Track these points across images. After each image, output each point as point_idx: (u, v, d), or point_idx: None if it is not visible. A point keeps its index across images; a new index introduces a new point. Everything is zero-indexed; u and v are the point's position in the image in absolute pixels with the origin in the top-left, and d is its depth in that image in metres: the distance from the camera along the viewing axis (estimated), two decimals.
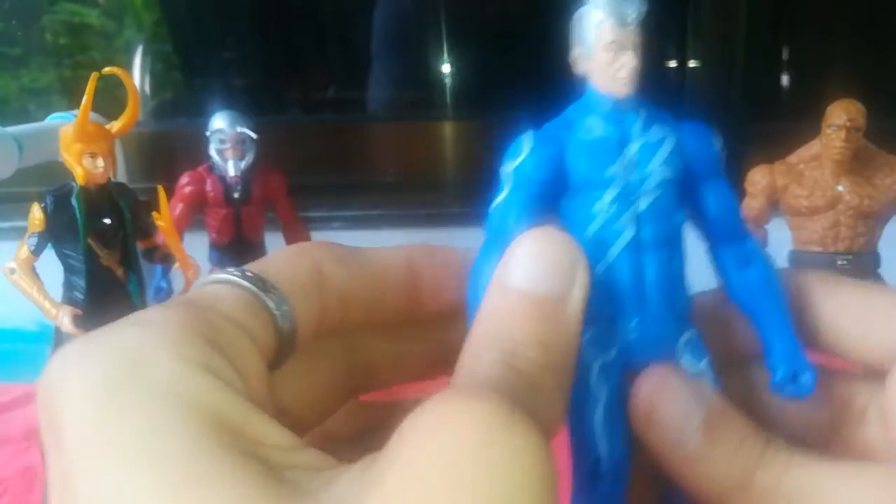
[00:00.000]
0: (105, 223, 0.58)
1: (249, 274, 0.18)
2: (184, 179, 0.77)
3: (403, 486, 0.13)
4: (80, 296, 0.58)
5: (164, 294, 0.71)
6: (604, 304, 0.20)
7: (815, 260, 0.68)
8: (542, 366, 0.16)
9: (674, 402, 0.19)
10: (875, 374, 0.21)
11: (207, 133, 0.76)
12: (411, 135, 1.24)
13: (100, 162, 0.57)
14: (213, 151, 0.76)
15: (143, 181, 0.96)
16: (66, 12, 1.22)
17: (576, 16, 0.21)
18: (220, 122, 0.76)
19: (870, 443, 0.21)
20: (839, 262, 0.69)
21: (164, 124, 1.23)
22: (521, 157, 0.20)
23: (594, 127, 0.20)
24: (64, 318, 0.57)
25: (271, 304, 0.18)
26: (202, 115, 0.80)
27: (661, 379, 0.19)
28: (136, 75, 1.20)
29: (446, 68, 1.23)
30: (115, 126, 0.60)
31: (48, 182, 0.59)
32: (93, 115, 0.57)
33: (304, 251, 0.20)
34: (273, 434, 0.15)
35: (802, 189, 0.70)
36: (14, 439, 0.73)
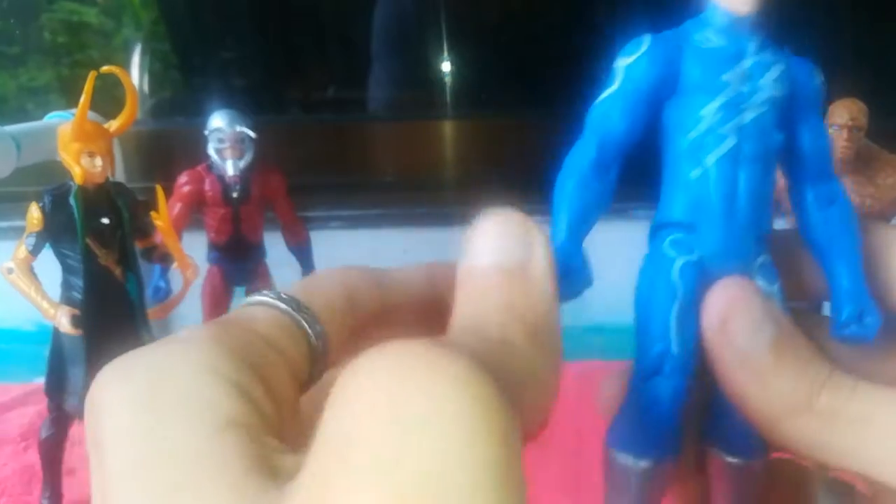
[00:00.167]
0: (103, 223, 0.58)
1: (284, 296, 0.18)
2: (182, 179, 0.77)
3: (317, 461, 0.12)
4: (78, 295, 0.57)
5: (163, 293, 0.70)
6: (691, 211, 0.20)
7: None
8: (510, 322, 0.16)
9: (748, 314, 0.19)
10: None
11: (206, 132, 0.76)
12: (411, 134, 1.24)
13: (98, 161, 0.56)
14: (211, 151, 0.76)
15: (141, 180, 0.95)
16: (65, 11, 1.22)
17: None
18: (218, 122, 0.76)
19: None
20: None
21: (162, 123, 1.23)
22: (635, 55, 0.20)
23: (712, 38, 0.20)
24: (62, 318, 0.57)
25: (306, 325, 0.18)
26: (201, 115, 0.79)
27: (739, 289, 0.19)
28: (135, 74, 1.20)
29: (446, 68, 1.22)
30: (113, 125, 0.59)
31: (46, 181, 0.58)
32: (91, 115, 0.57)
33: (336, 275, 0.20)
34: (288, 454, 0.14)
35: None
36: (12, 440, 0.73)
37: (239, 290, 0.81)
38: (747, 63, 0.20)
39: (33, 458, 0.65)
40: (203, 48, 1.29)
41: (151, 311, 0.63)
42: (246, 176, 0.77)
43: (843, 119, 0.67)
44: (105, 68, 0.58)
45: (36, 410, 0.76)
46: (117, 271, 0.59)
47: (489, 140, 1.20)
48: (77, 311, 0.57)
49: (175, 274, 0.68)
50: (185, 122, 1.14)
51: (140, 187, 0.68)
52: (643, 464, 0.21)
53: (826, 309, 0.23)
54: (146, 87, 1.23)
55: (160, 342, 0.16)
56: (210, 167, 0.77)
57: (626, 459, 0.21)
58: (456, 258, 0.22)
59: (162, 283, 0.71)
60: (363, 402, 0.12)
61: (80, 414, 0.58)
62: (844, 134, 0.67)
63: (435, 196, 1.12)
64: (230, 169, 0.76)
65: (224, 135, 0.75)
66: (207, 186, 0.77)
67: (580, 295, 0.21)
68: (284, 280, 0.81)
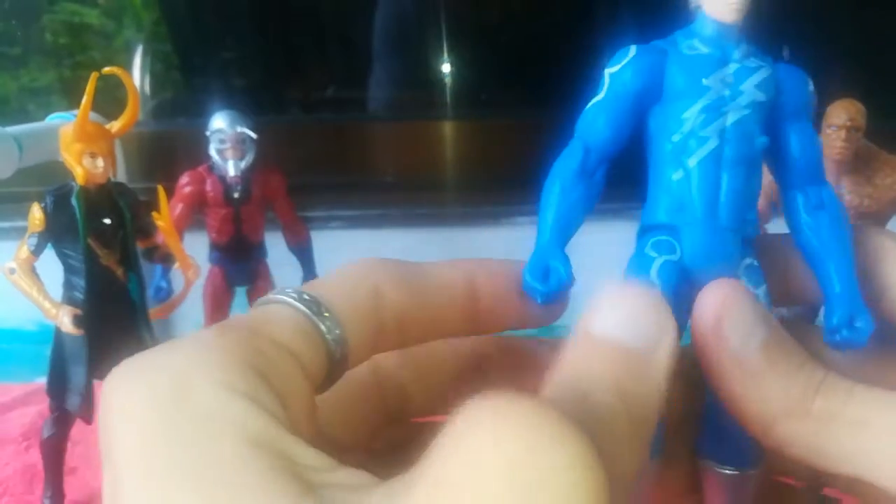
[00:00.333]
0: (105, 223, 0.58)
1: (306, 297, 0.18)
2: (184, 179, 0.77)
3: (429, 500, 0.12)
4: (79, 295, 0.57)
5: (164, 294, 0.71)
6: (674, 213, 0.21)
7: None
8: (618, 412, 0.15)
9: (741, 315, 0.19)
10: None
11: (207, 133, 0.76)
12: (411, 135, 1.24)
13: (100, 162, 0.57)
14: (212, 151, 0.76)
15: (142, 181, 0.96)
16: (66, 12, 1.22)
17: None
18: (219, 122, 0.76)
19: None
20: None
21: (163, 124, 1.23)
22: (621, 64, 0.21)
23: (698, 46, 0.21)
24: (64, 318, 0.57)
25: (324, 329, 0.18)
26: (202, 115, 0.80)
27: (731, 290, 0.19)
28: (136, 75, 1.20)
29: (446, 68, 1.23)
30: (114, 126, 0.60)
31: (48, 182, 0.59)
32: (93, 115, 0.57)
33: (364, 271, 0.20)
34: (309, 456, 0.15)
35: None
36: (13, 439, 0.73)
37: (240, 290, 0.82)
38: (731, 68, 0.21)
39: (35, 457, 0.65)
40: (204, 49, 1.29)
41: (153, 311, 0.63)
42: (247, 176, 0.77)
43: (841, 119, 0.67)
44: (107, 69, 0.58)
45: (37, 410, 0.77)
46: (119, 271, 0.59)
47: (489, 140, 1.20)
48: (79, 311, 0.57)
49: (176, 274, 0.68)
50: (187, 123, 1.14)
51: (142, 188, 0.68)
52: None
53: (822, 316, 0.23)
54: (147, 88, 1.24)
55: (174, 344, 0.16)
56: (211, 168, 0.77)
57: None
58: (478, 256, 0.22)
59: (163, 283, 0.71)
60: (481, 456, 0.12)
61: (81, 413, 0.59)
62: (842, 134, 0.67)
63: (435, 196, 1.13)
64: (231, 169, 0.76)
65: (225, 136, 0.75)
66: (209, 187, 0.77)
67: (561, 297, 0.21)
68: (285, 280, 0.81)
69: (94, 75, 0.56)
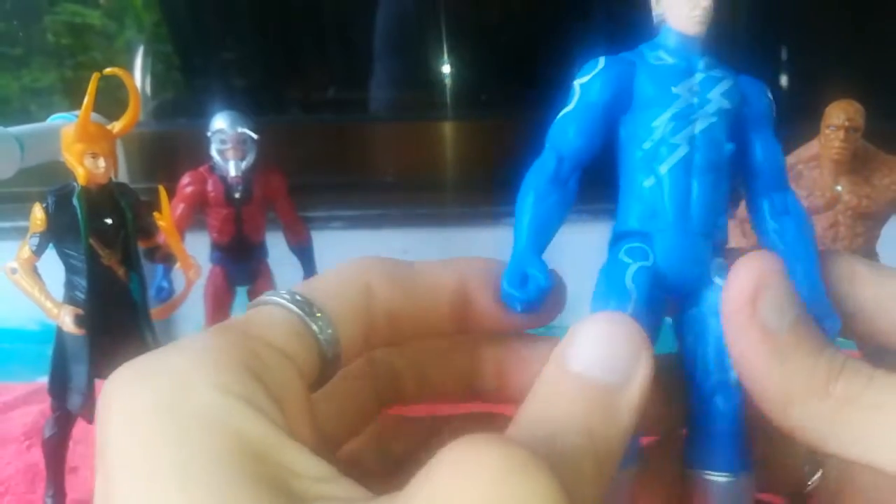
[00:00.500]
0: (106, 223, 0.59)
1: (298, 298, 0.18)
2: (185, 180, 0.78)
3: None
4: (81, 295, 0.58)
5: (166, 294, 0.71)
6: (646, 219, 0.21)
7: None
8: (585, 452, 0.16)
9: (777, 291, 0.19)
10: None
11: (208, 133, 0.77)
12: (411, 135, 1.24)
13: (101, 162, 0.57)
14: (214, 152, 0.77)
15: (144, 181, 0.96)
16: (68, 13, 1.22)
17: None
18: (221, 123, 0.76)
19: None
20: None
21: (164, 124, 1.23)
22: (591, 75, 0.22)
23: (664, 57, 0.22)
24: (65, 318, 0.57)
25: (316, 329, 0.18)
26: (203, 116, 0.80)
27: (769, 264, 0.19)
28: (137, 76, 1.21)
29: (446, 69, 1.23)
30: (116, 126, 0.60)
31: (50, 182, 0.59)
32: (94, 116, 0.57)
33: (355, 270, 0.20)
34: (307, 464, 0.15)
35: (801, 189, 0.70)
36: (15, 438, 0.73)
37: (241, 290, 0.82)
38: (697, 78, 0.21)
39: (37, 456, 0.65)
40: (205, 49, 1.29)
41: (154, 310, 0.64)
42: (248, 177, 0.77)
43: (839, 120, 0.67)
44: (108, 70, 0.58)
45: (39, 409, 0.77)
46: (120, 271, 0.59)
47: (489, 141, 1.21)
48: (80, 311, 0.57)
49: (178, 274, 0.68)
50: (188, 124, 1.14)
51: (143, 188, 0.68)
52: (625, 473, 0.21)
53: None
54: (149, 89, 1.24)
55: (171, 348, 0.16)
56: (212, 168, 0.78)
57: None
58: (480, 255, 0.22)
59: (165, 283, 0.71)
60: (458, 492, 0.13)
61: (83, 413, 0.59)
62: (841, 135, 0.67)
63: (435, 196, 1.13)
64: (232, 170, 0.76)
65: (226, 136, 0.76)
66: (210, 187, 0.77)
67: (540, 302, 0.21)
68: (286, 280, 0.82)
69: (95, 76, 0.56)
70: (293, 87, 1.30)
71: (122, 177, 0.83)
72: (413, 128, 1.24)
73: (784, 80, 1.20)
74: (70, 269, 0.58)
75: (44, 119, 0.78)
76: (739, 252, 0.23)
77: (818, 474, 0.24)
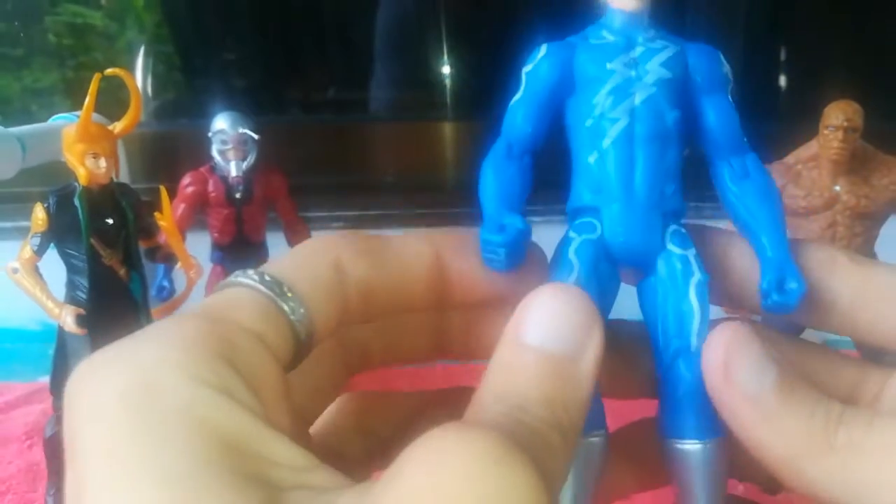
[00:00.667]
0: (107, 223, 0.59)
1: (267, 278, 0.18)
2: (186, 180, 0.78)
3: None
4: (82, 295, 0.58)
5: (167, 293, 0.71)
6: (594, 194, 0.21)
7: None
8: (549, 423, 0.16)
9: (749, 355, 0.19)
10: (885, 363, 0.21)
11: (209, 134, 0.77)
12: (411, 135, 1.24)
13: (102, 162, 0.57)
14: (215, 152, 0.77)
15: (145, 181, 0.96)
16: (69, 13, 1.22)
17: None
18: (221, 123, 0.76)
19: None
20: None
21: (165, 125, 1.23)
22: (535, 62, 0.22)
23: (605, 36, 0.22)
24: (67, 318, 0.57)
25: (287, 310, 0.18)
26: (204, 116, 0.80)
27: (735, 332, 0.19)
28: (138, 76, 1.21)
29: (446, 69, 1.23)
30: (117, 127, 0.60)
31: (51, 182, 0.59)
32: (95, 116, 0.58)
33: (324, 247, 0.20)
34: (285, 453, 0.15)
35: (800, 189, 0.70)
36: (17, 438, 0.73)
37: None
38: (636, 52, 0.22)
39: (38, 455, 0.65)
40: (205, 50, 1.29)
41: (155, 310, 0.64)
42: (249, 177, 0.77)
43: (838, 120, 0.67)
44: (109, 70, 0.58)
45: (41, 409, 0.77)
46: (121, 271, 0.60)
47: (489, 141, 1.21)
48: (82, 311, 0.57)
49: (179, 274, 0.68)
50: (188, 124, 1.14)
51: (144, 188, 0.68)
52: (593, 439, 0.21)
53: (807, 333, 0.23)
54: (150, 90, 1.24)
55: (141, 336, 0.16)
56: (213, 168, 0.78)
57: None
58: (458, 228, 0.22)
59: (166, 283, 0.72)
60: (436, 479, 0.13)
61: None
62: (839, 135, 0.67)
63: (435, 197, 1.13)
64: (233, 170, 0.76)
65: (227, 136, 0.76)
66: (211, 187, 0.78)
67: (521, 244, 0.21)
68: None
69: (96, 76, 0.56)
70: (293, 88, 1.30)
71: (124, 177, 0.83)
72: (413, 128, 1.24)
73: (783, 80, 1.20)
74: (71, 269, 0.59)
75: (45, 119, 0.78)
76: (702, 227, 0.23)
77: None
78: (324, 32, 1.27)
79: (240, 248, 0.80)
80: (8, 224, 0.95)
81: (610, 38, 0.22)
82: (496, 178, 0.22)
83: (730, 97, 0.23)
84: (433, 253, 0.21)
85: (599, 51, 0.22)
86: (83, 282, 0.58)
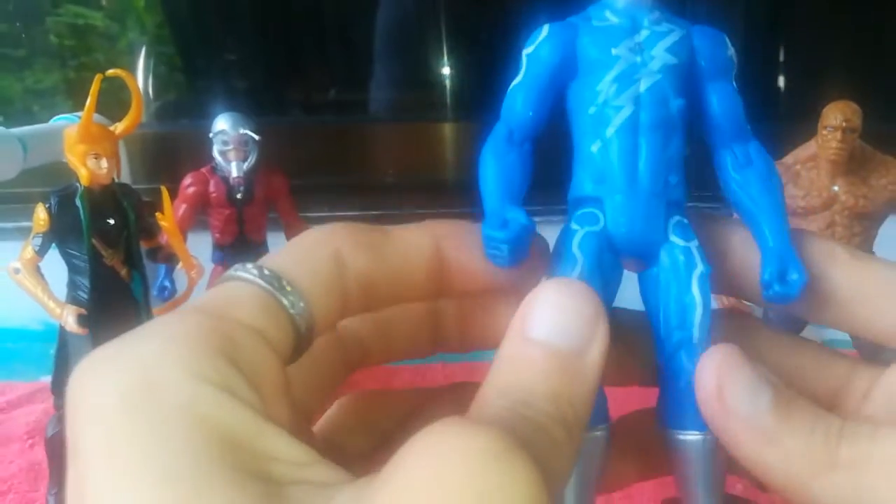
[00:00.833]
0: (109, 223, 0.59)
1: (266, 272, 0.18)
2: (187, 180, 0.78)
3: None
4: (84, 295, 0.58)
5: (168, 293, 0.71)
6: (596, 184, 0.21)
7: None
8: (554, 418, 0.16)
9: (742, 378, 0.18)
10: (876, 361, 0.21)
11: (211, 135, 0.77)
12: (412, 136, 1.24)
13: (104, 163, 0.57)
14: (216, 153, 0.77)
15: (146, 182, 0.96)
16: (70, 14, 1.22)
17: None
18: (223, 124, 0.76)
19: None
20: None
21: (167, 125, 1.24)
22: (536, 43, 0.21)
23: (609, 17, 0.21)
24: (68, 318, 0.57)
25: (287, 304, 0.17)
26: (205, 117, 0.80)
27: (725, 356, 0.19)
28: (140, 77, 1.21)
29: (446, 70, 1.23)
30: (118, 127, 0.60)
31: (52, 183, 0.59)
32: (97, 117, 0.58)
33: (323, 238, 0.19)
34: (285, 449, 0.15)
35: (798, 189, 0.70)
36: (18, 437, 0.74)
37: None
38: (642, 35, 0.21)
39: (40, 455, 0.65)
40: (206, 51, 1.29)
41: (157, 310, 0.64)
42: (250, 177, 0.78)
43: (836, 120, 0.67)
44: (111, 71, 0.59)
45: (42, 408, 0.77)
46: (123, 271, 0.60)
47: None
48: (83, 311, 0.58)
49: (180, 274, 0.68)
50: (190, 125, 1.15)
51: (145, 189, 0.68)
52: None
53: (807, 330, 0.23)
54: (151, 90, 1.24)
55: (140, 334, 0.16)
56: (214, 169, 0.78)
57: None
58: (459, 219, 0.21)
59: (167, 283, 0.72)
60: (437, 474, 0.13)
61: None
62: (838, 135, 0.67)
63: (435, 197, 1.13)
64: (234, 171, 0.77)
65: (228, 137, 0.76)
66: (212, 188, 0.78)
67: (525, 240, 0.21)
68: None
69: (98, 77, 0.56)
70: (294, 89, 1.30)
71: (125, 177, 0.83)
72: (413, 129, 1.24)
73: (782, 81, 1.20)
74: (73, 269, 0.59)
75: (46, 120, 0.78)
76: (703, 214, 0.22)
77: None
78: (324, 33, 1.27)
79: (241, 249, 0.80)
80: (9, 224, 0.95)
81: (614, 19, 0.21)
82: (497, 166, 0.21)
83: (734, 83, 0.22)
84: (433, 243, 0.21)
85: (603, 34, 0.21)
86: (84, 282, 0.58)
